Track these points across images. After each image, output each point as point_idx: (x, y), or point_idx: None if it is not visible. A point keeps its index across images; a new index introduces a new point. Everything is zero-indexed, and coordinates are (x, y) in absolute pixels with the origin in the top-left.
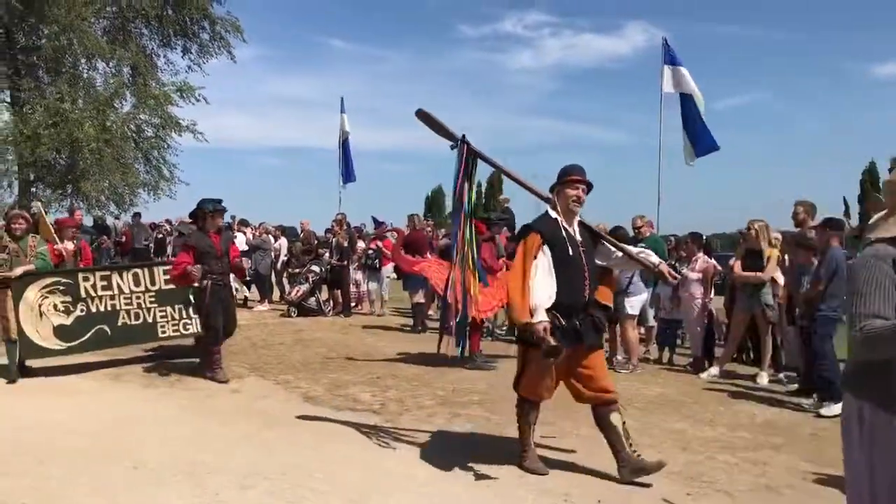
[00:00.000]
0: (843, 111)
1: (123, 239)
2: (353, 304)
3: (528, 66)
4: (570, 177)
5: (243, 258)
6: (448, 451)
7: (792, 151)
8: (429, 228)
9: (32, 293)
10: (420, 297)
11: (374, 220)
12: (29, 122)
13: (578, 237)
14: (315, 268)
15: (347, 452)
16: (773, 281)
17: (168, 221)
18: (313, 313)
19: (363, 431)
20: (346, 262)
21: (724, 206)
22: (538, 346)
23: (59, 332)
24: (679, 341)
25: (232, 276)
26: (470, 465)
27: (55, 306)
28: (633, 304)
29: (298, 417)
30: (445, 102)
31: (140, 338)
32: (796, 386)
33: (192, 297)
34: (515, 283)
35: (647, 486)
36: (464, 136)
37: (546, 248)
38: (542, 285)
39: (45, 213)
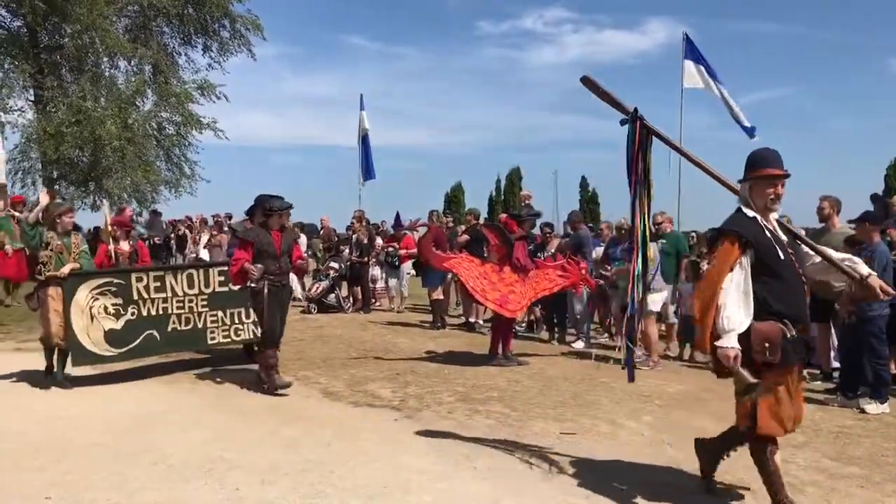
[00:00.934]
0: (867, 106)
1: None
2: (372, 301)
3: (550, 63)
4: (767, 171)
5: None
6: (467, 447)
7: (815, 146)
8: (451, 224)
9: (83, 294)
10: (439, 294)
11: (397, 217)
12: (52, 120)
13: (783, 237)
14: (334, 264)
15: (367, 448)
16: None
17: (188, 218)
18: (333, 310)
19: (382, 427)
20: (366, 259)
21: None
22: (777, 368)
23: (109, 336)
24: None
25: (294, 277)
26: (489, 461)
27: (106, 309)
28: (655, 301)
29: (318, 413)
30: (465, 100)
31: (189, 344)
32: (819, 383)
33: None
34: (707, 300)
35: (668, 483)
36: (636, 109)
37: (745, 258)
38: (737, 304)
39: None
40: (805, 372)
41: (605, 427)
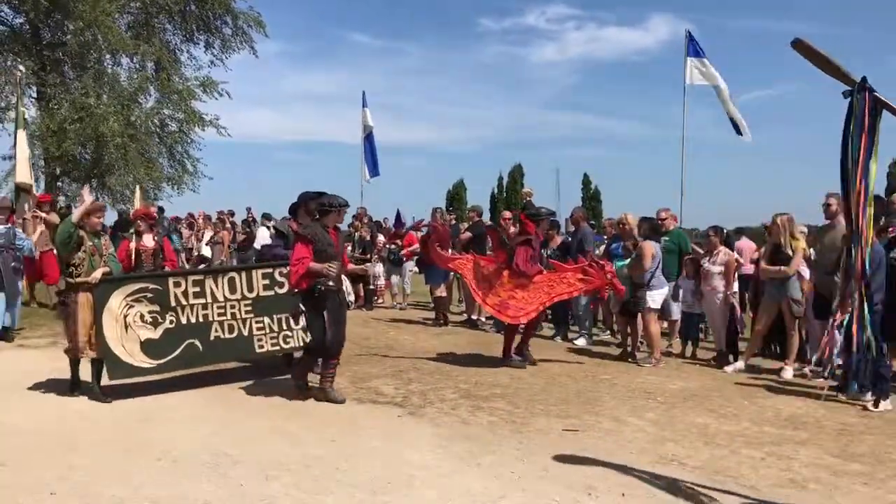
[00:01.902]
0: None
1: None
2: (375, 298)
3: (552, 60)
4: None
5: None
6: (470, 443)
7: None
8: (453, 222)
9: (117, 301)
10: (441, 291)
11: (398, 216)
12: (55, 117)
13: None
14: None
15: (370, 444)
16: (799, 275)
17: (191, 215)
18: None
19: (386, 423)
20: (368, 256)
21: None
22: None
23: (146, 346)
24: (702, 335)
25: (346, 281)
26: (492, 458)
27: (142, 317)
28: (655, 298)
29: (322, 409)
30: (467, 97)
31: (234, 353)
32: (821, 380)
33: (301, 305)
34: None
35: (671, 479)
36: (864, 79)
37: None
38: None
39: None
40: (807, 369)
41: (607, 424)
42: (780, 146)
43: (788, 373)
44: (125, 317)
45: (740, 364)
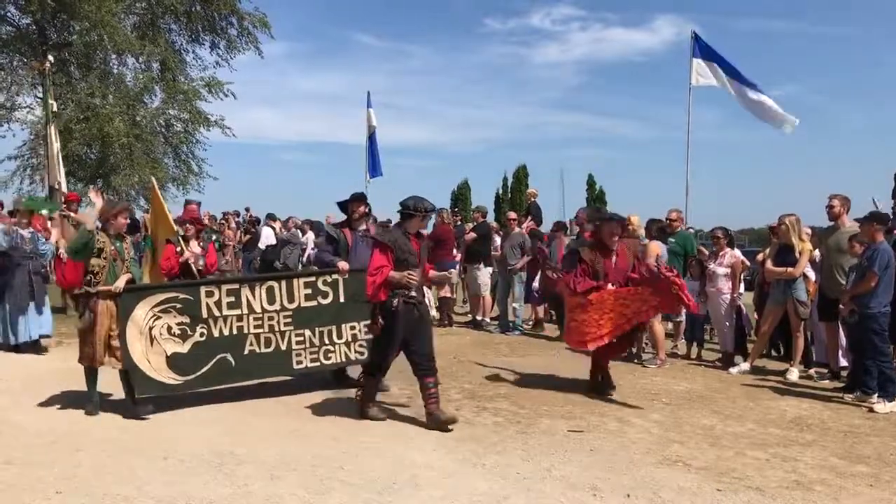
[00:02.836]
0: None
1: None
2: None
3: (556, 60)
4: None
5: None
6: (475, 443)
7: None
8: (458, 222)
9: (142, 312)
10: (446, 292)
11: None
12: (61, 117)
13: None
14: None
15: (375, 445)
16: (805, 277)
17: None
18: None
19: (391, 423)
20: None
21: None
22: None
23: (173, 361)
24: (707, 336)
25: (428, 292)
26: (497, 458)
27: (169, 329)
28: None
29: (327, 410)
30: (472, 97)
31: (269, 370)
32: (827, 382)
33: (378, 318)
34: None
35: (675, 480)
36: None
37: None
38: None
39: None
40: (813, 371)
41: (612, 425)
42: (788, 145)
43: (794, 374)
44: (150, 329)
45: (745, 365)
